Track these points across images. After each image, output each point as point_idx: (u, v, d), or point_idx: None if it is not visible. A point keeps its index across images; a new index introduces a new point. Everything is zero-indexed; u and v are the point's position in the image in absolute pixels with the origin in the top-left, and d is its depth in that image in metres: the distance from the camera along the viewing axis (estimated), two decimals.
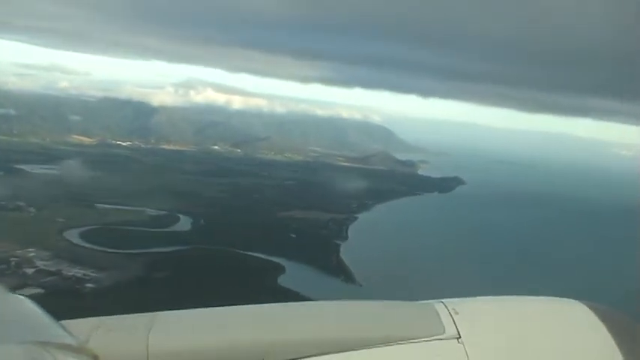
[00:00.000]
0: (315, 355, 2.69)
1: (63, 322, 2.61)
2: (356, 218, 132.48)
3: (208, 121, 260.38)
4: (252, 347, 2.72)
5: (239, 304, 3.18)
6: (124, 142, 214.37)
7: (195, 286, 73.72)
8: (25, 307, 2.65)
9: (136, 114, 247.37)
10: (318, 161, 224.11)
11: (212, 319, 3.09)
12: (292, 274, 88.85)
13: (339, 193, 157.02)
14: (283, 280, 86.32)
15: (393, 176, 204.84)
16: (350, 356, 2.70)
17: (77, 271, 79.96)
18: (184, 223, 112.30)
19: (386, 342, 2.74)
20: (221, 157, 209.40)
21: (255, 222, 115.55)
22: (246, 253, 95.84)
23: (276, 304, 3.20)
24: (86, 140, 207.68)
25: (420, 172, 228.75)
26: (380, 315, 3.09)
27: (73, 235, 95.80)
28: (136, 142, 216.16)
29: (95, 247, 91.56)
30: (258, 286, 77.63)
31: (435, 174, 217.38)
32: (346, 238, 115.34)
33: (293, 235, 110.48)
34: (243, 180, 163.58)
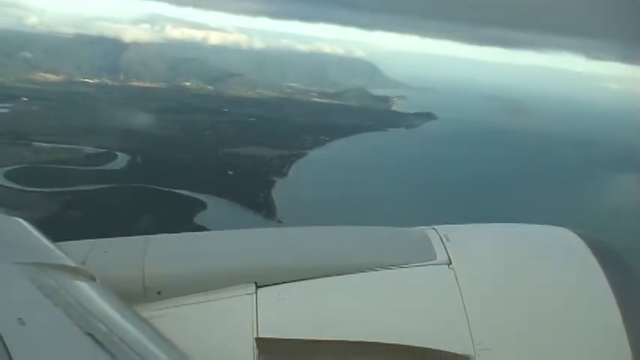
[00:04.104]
0: (305, 279, 2.74)
1: (59, 243, 2.66)
2: (304, 155, 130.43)
3: (182, 58, 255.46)
4: (245, 270, 2.77)
5: None
6: (91, 79, 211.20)
7: (104, 224, 72.56)
8: (21, 228, 2.73)
9: (107, 51, 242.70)
10: (290, 98, 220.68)
11: (206, 242, 3.26)
12: (213, 211, 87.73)
13: (297, 129, 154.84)
14: (202, 217, 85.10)
15: (363, 112, 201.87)
16: (341, 280, 2.74)
17: None
18: (120, 161, 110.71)
19: (377, 267, 2.78)
20: (189, 94, 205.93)
21: (195, 159, 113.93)
22: (171, 190, 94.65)
23: (270, 228, 3.59)
24: (52, 78, 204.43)
25: (395, 107, 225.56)
26: (371, 240, 3.14)
27: None
28: (104, 80, 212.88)
29: (16, 186, 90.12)
30: (171, 223, 76.37)
31: (411, 109, 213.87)
32: (285, 174, 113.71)
33: (230, 172, 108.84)
34: (201, 117, 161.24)
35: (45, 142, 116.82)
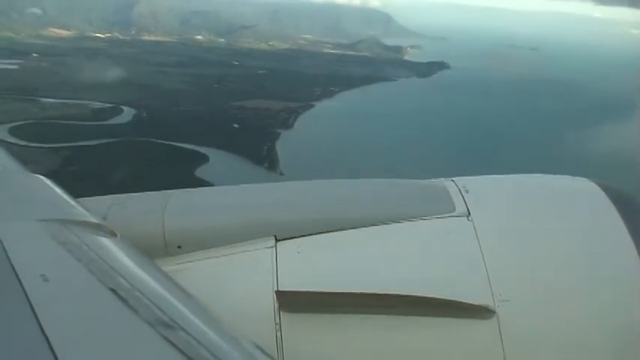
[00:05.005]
0: (324, 232, 2.76)
1: (80, 200, 2.68)
2: (312, 106, 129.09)
3: (194, 11, 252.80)
4: (264, 224, 2.79)
5: None
6: (103, 34, 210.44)
7: (101, 179, 72.85)
8: (43, 185, 2.72)
9: (119, 5, 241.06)
10: (302, 49, 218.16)
11: (226, 196, 3.28)
12: (215, 164, 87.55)
13: (308, 81, 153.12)
14: (203, 170, 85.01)
15: (376, 62, 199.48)
16: (360, 233, 2.76)
17: None
18: (126, 116, 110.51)
19: (395, 219, 2.79)
20: (200, 47, 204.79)
21: (202, 113, 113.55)
22: (173, 144, 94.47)
23: (289, 182, 3.41)
24: (63, 33, 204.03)
25: (409, 57, 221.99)
26: (390, 192, 3.15)
27: (0, 131, 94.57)
28: (115, 34, 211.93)
29: (20, 142, 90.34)
30: (171, 177, 76.22)
31: (425, 59, 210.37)
32: (291, 126, 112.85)
33: (235, 125, 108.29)
34: (211, 70, 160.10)
35: (52, 98, 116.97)
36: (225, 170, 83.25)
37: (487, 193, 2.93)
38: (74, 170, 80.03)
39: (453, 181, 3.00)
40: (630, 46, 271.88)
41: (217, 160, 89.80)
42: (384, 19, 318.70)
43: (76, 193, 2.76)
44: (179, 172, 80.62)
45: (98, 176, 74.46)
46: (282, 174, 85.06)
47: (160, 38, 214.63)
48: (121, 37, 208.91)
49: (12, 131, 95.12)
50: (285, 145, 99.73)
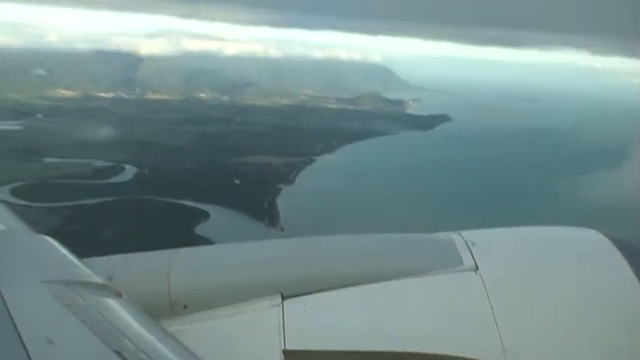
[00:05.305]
0: (331, 289, 2.73)
1: (85, 260, 2.70)
2: (313, 161, 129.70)
3: (197, 70, 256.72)
4: (271, 282, 2.77)
5: None
6: (107, 94, 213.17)
7: (102, 238, 72.60)
8: (47, 245, 2.73)
9: (123, 65, 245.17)
10: (303, 105, 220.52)
11: (231, 255, 3.28)
12: (215, 221, 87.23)
13: (308, 135, 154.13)
14: (204, 227, 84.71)
15: (377, 116, 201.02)
16: (367, 289, 2.72)
17: None
18: (127, 174, 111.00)
19: (403, 274, 2.76)
20: (203, 105, 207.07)
21: (203, 170, 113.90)
22: (175, 201, 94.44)
23: (294, 238, 3.36)
24: (68, 94, 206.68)
25: (410, 110, 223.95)
26: (396, 247, 3.15)
27: (2, 191, 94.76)
28: (119, 94, 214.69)
29: (20, 201, 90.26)
30: (171, 235, 75.88)
31: (426, 112, 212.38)
32: (292, 182, 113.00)
33: (237, 182, 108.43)
34: (213, 127, 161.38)
35: (54, 158, 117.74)
36: (226, 227, 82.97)
37: (494, 246, 2.91)
38: (74, 229, 79.64)
39: (459, 234, 2.98)
40: (631, 96, 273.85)
41: (218, 216, 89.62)
42: (384, 73, 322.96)
43: (77, 252, 2.76)
44: (180, 230, 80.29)
45: (97, 235, 74.23)
46: (282, 229, 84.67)
47: (164, 97, 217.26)
48: (125, 97, 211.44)
49: (15, 191, 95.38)
50: (287, 200, 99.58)
